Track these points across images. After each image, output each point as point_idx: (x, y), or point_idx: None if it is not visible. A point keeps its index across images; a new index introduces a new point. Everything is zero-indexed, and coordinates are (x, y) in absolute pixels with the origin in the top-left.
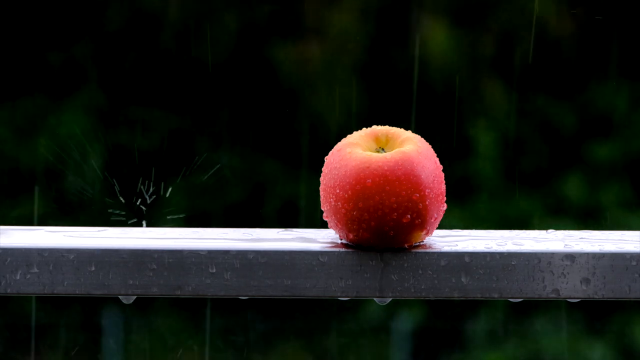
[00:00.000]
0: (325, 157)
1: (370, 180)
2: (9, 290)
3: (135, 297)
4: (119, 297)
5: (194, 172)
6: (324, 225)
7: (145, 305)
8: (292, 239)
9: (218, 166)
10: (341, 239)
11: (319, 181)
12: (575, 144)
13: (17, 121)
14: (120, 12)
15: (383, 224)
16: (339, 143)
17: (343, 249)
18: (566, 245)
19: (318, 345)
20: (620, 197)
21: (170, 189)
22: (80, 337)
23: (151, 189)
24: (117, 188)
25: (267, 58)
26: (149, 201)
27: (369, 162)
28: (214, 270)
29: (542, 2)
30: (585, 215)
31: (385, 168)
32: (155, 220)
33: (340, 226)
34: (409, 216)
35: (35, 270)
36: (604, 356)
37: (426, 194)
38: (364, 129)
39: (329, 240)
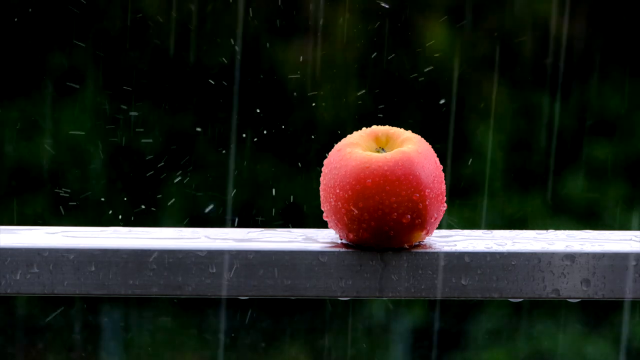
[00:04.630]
0: (325, 157)
1: (370, 180)
2: (9, 290)
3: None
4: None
5: (194, 172)
6: (324, 225)
7: (145, 305)
8: (292, 239)
9: (218, 166)
10: (341, 239)
11: (319, 181)
12: (576, 144)
13: (18, 121)
14: (121, 13)
15: (383, 224)
16: (339, 143)
17: (343, 249)
18: (566, 245)
19: (318, 345)
20: (620, 197)
21: (170, 189)
22: (80, 337)
23: (151, 189)
24: (117, 188)
25: (267, 58)
26: (149, 201)
27: (369, 162)
28: (214, 270)
29: (543, 2)
30: (585, 215)
31: (385, 168)
32: (155, 220)
33: (340, 226)
34: (409, 216)
35: (35, 270)
36: (605, 356)
37: (426, 194)
38: (364, 129)
39: (329, 240)
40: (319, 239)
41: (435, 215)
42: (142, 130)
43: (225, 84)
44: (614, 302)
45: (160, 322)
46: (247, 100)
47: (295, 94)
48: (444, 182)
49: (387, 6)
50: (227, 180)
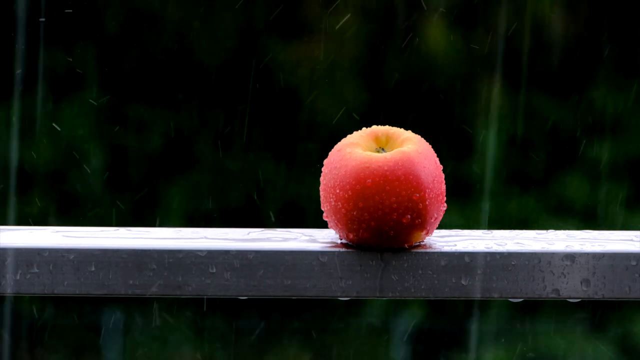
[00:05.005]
0: (325, 157)
1: (370, 180)
2: (9, 290)
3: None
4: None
5: (194, 172)
6: (324, 225)
7: (145, 305)
8: (292, 239)
9: (218, 166)
10: (341, 239)
11: (319, 181)
12: (576, 144)
13: (18, 121)
14: (121, 12)
15: (383, 224)
16: (339, 143)
17: (343, 249)
18: (566, 245)
19: (318, 345)
20: (620, 197)
21: (170, 189)
22: (80, 337)
23: (151, 189)
24: (117, 187)
25: (267, 58)
26: (148, 201)
27: (369, 162)
28: (214, 270)
29: (542, 2)
30: (585, 215)
31: (385, 168)
32: (155, 220)
33: (340, 226)
34: (409, 216)
35: (35, 270)
36: (605, 356)
37: (426, 194)
38: (364, 129)
39: (329, 240)
40: (319, 239)
41: (435, 215)
42: (142, 130)
43: (225, 83)
44: (614, 302)
45: (160, 322)
46: (247, 100)
47: (295, 93)
48: (444, 182)
49: None
50: (227, 180)
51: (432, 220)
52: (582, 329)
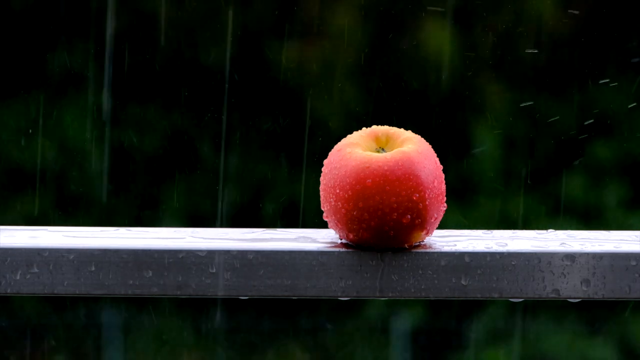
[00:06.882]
0: (325, 157)
1: (370, 180)
2: (9, 290)
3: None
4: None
5: (194, 172)
6: (324, 225)
7: (145, 305)
8: (292, 239)
9: (218, 166)
10: (341, 239)
11: (319, 181)
12: (576, 144)
13: (18, 121)
14: (121, 13)
15: (383, 224)
16: (339, 143)
17: (343, 249)
18: (566, 245)
19: (318, 345)
20: (620, 197)
21: (170, 189)
22: (80, 337)
23: (151, 189)
24: (117, 188)
25: (267, 58)
26: (149, 201)
27: (369, 162)
28: (214, 270)
29: (542, 2)
30: (585, 215)
31: (385, 168)
32: (155, 220)
33: (340, 226)
34: (409, 216)
35: (35, 270)
36: (604, 356)
37: (426, 194)
38: (364, 129)
39: (329, 240)
40: (319, 239)
41: (435, 215)
42: (142, 130)
43: (226, 84)
44: (614, 302)
45: (160, 322)
46: (247, 100)
47: (295, 93)
48: (444, 182)
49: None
50: (227, 180)
51: (432, 220)
52: (582, 329)
